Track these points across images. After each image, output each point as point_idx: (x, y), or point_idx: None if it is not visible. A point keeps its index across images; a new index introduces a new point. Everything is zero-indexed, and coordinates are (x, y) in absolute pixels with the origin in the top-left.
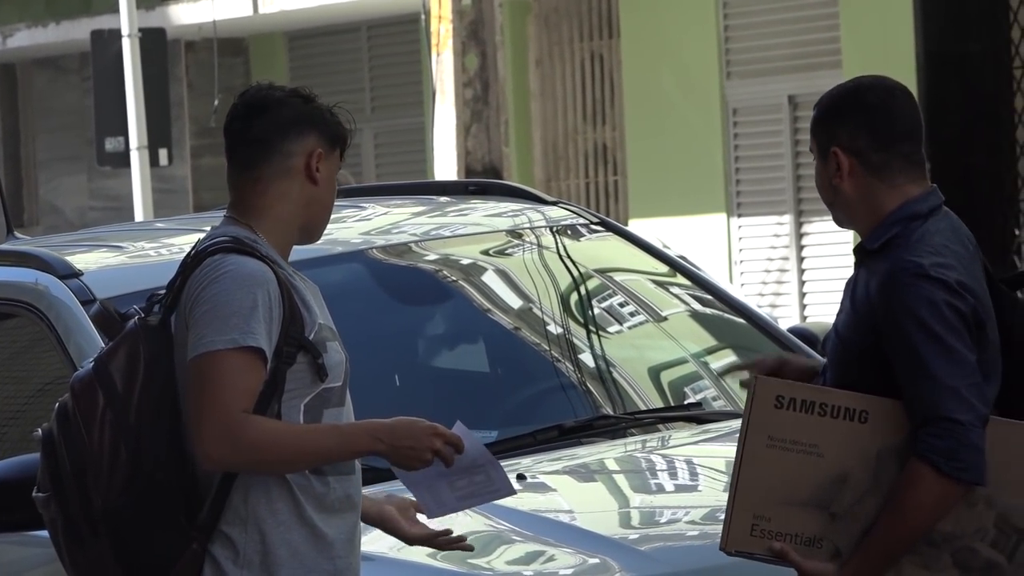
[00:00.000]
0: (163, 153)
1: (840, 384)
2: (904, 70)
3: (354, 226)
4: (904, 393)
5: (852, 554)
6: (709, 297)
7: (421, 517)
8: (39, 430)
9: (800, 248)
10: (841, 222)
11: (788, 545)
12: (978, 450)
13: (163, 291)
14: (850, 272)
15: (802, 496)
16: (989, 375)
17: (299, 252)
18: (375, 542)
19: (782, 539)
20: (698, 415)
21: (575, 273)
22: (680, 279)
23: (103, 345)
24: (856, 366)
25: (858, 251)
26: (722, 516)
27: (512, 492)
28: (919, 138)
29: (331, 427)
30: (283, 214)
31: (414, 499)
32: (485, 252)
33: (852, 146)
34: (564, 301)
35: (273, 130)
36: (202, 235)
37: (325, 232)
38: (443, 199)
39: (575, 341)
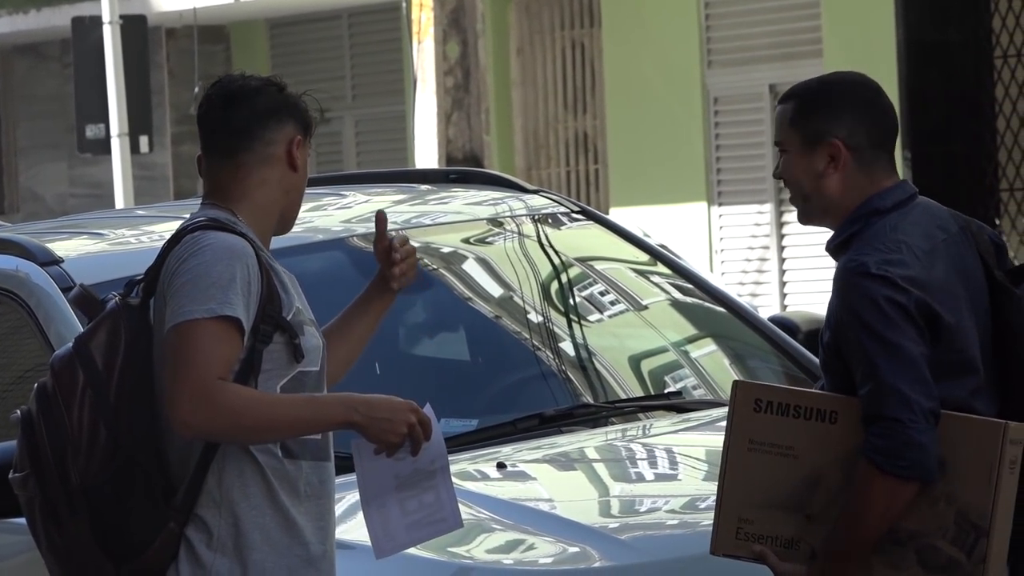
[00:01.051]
0: (144, 140)
1: (832, 386)
2: (885, 59)
3: (335, 214)
4: (858, 393)
5: (819, 556)
6: (690, 286)
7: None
8: (17, 411)
9: (780, 237)
10: (810, 217)
11: (768, 548)
12: (921, 447)
13: (141, 276)
14: (830, 260)
15: (781, 498)
16: (956, 370)
17: (280, 240)
18: (354, 531)
19: (763, 542)
20: (678, 404)
21: (556, 262)
22: (661, 268)
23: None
24: (835, 364)
25: (828, 251)
26: (702, 505)
27: (459, 525)
28: (897, 137)
29: (307, 397)
30: (264, 200)
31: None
32: (466, 240)
33: (851, 140)
34: (545, 290)
35: (253, 119)
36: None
37: (306, 220)
38: (424, 187)
39: (556, 330)
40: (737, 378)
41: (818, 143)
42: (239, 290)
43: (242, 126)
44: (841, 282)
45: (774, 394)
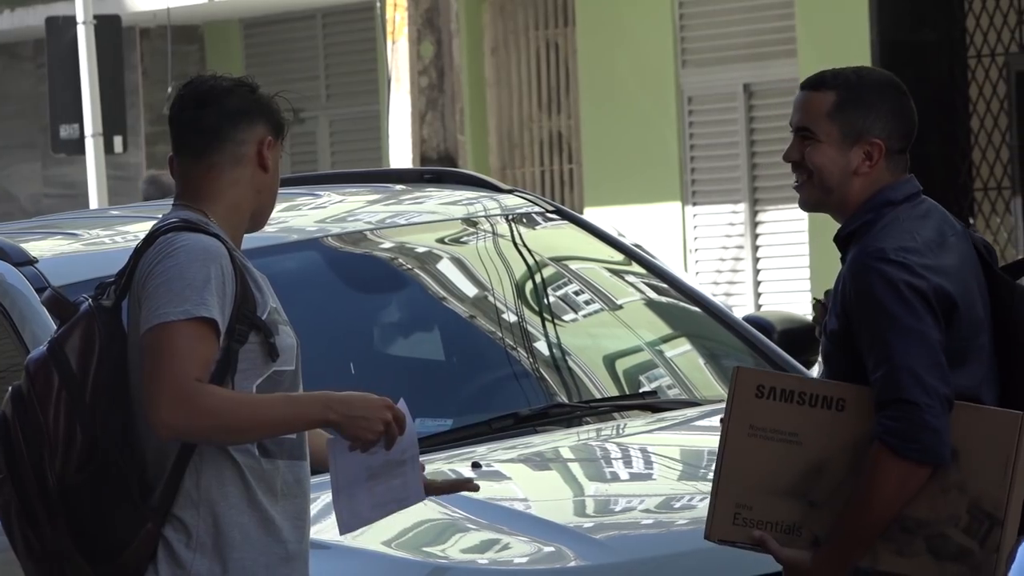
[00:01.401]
0: (118, 140)
1: (832, 376)
2: (859, 59)
3: (309, 214)
4: (870, 378)
5: (825, 540)
6: (664, 285)
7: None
8: None
9: (755, 237)
10: (820, 207)
11: (768, 533)
12: (935, 431)
13: (113, 279)
14: (805, 260)
15: (782, 484)
16: (966, 360)
17: (254, 240)
18: (329, 530)
19: (763, 527)
20: (653, 403)
21: (530, 261)
22: (635, 267)
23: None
24: (841, 355)
25: (837, 242)
26: (677, 504)
27: (420, 498)
28: None
29: (285, 396)
30: (235, 200)
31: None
32: (440, 240)
33: (889, 142)
34: (519, 289)
35: (224, 119)
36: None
37: (280, 220)
38: (398, 187)
39: (530, 329)
40: (716, 374)
41: (857, 140)
42: (214, 291)
43: (213, 126)
44: (857, 267)
45: (778, 380)
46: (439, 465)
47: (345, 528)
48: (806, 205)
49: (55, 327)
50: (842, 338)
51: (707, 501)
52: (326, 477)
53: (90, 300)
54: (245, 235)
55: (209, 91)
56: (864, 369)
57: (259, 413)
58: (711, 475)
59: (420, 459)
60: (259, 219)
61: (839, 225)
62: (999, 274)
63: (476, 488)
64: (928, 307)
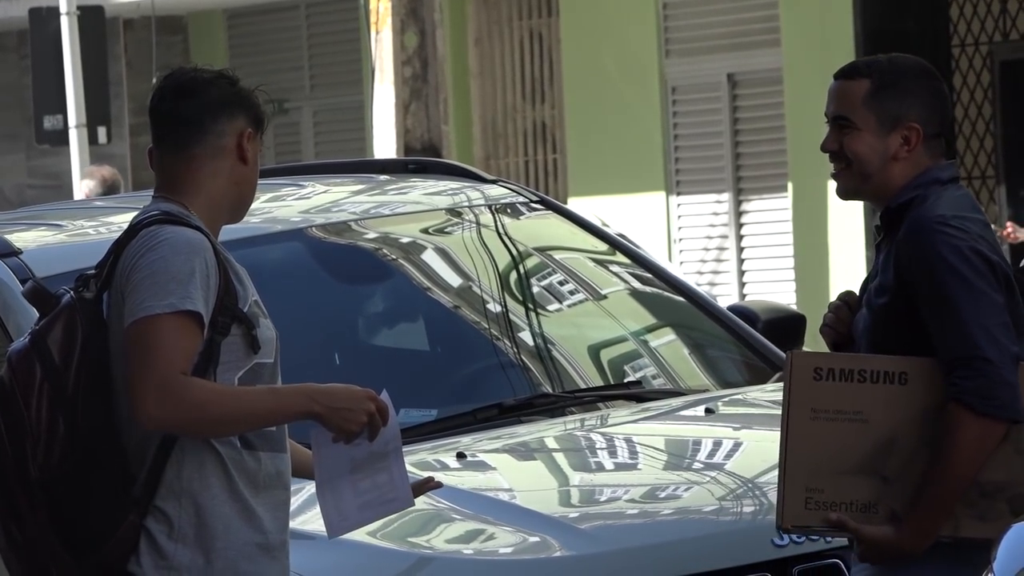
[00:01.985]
0: (102, 131)
1: (877, 351)
2: (843, 48)
3: (293, 204)
4: (936, 342)
5: (909, 512)
6: (648, 275)
7: None
8: None
9: (739, 226)
10: (859, 194)
11: (844, 514)
12: (1011, 386)
13: (92, 271)
14: (789, 250)
15: (852, 464)
16: (1020, 331)
17: (238, 231)
18: (314, 521)
19: (837, 508)
20: (637, 393)
21: (514, 251)
22: (619, 257)
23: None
24: (892, 330)
25: (883, 217)
26: (662, 494)
27: (410, 503)
28: None
29: (269, 389)
30: (215, 192)
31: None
32: (424, 231)
33: (926, 127)
34: (503, 279)
35: (205, 110)
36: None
37: (265, 210)
38: (382, 177)
39: (515, 319)
40: (701, 364)
41: (895, 126)
42: (198, 284)
43: (193, 118)
44: (918, 232)
45: (835, 361)
46: (424, 455)
47: (333, 531)
48: (844, 193)
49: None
50: (894, 311)
51: (692, 492)
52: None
53: (72, 292)
54: (229, 226)
55: (190, 82)
56: (919, 342)
57: (244, 405)
58: (696, 464)
59: (404, 449)
60: (238, 212)
61: (830, 218)
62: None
63: (438, 485)
64: (992, 272)
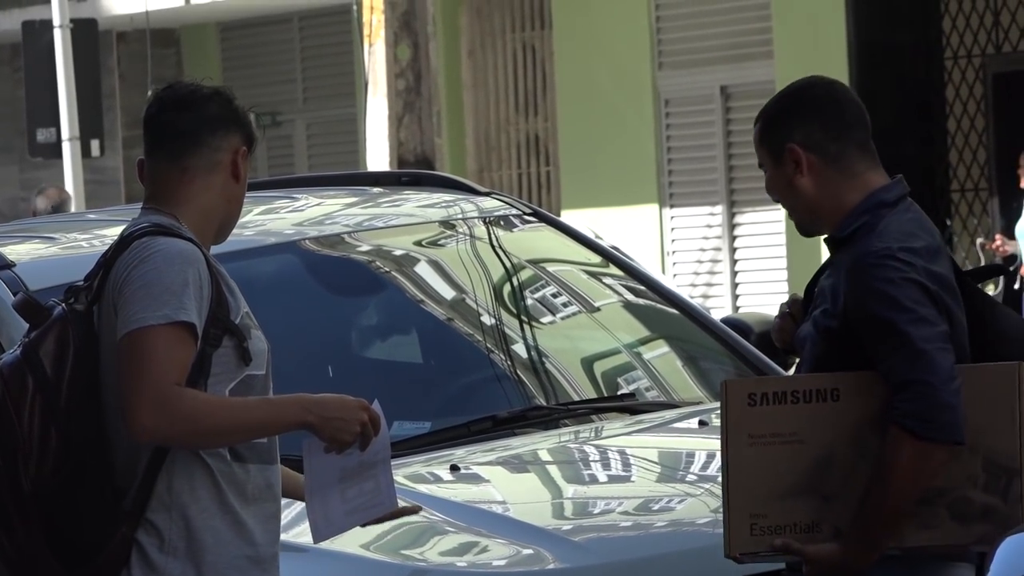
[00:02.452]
0: (95, 144)
1: (820, 367)
2: (836, 60)
3: (287, 217)
4: (879, 368)
5: (851, 529)
6: (642, 288)
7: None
8: None
9: (732, 239)
10: (806, 227)
11: (788, 537)
12: (952, 408)
13: (81, 283)
14: (782, 262)
15: (793, 486)
16: (958, 357)
17: (232, 243)
18: (306, 534)
19: (781, 532)
20: (631, 406)
21: (508, 264)
22: (613, 270)
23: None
24: (837, 354)
25: (828, 243)
26: (655, 507)
27: (394, 505)
28: (868, 126)
29: (263, 400)
30: (206, 206)
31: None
32: (418, 243)
33: (808, 141)
34: (497, 292)
35: (202, 124)
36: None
37: (258, 223)
38: (376, 190)
39: (508, 332)
40: (694, 376)
41: (781, 154)
42: (192, 295)
43: (191, 130)
44: (864, 265)
45: (767, 385)
46: (418, 468)
47: (319, 536)
48: (800, 231)
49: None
50: (838, 337)
51: (685, 504)
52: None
53: (63, 304)
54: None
55: (189, 95)
56: (860, 365)
57: (238, 416)
58: (690, 476)
59: (398, 462)
60: (224, 231)
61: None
62: (969, 282)
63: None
64: (934, 303)
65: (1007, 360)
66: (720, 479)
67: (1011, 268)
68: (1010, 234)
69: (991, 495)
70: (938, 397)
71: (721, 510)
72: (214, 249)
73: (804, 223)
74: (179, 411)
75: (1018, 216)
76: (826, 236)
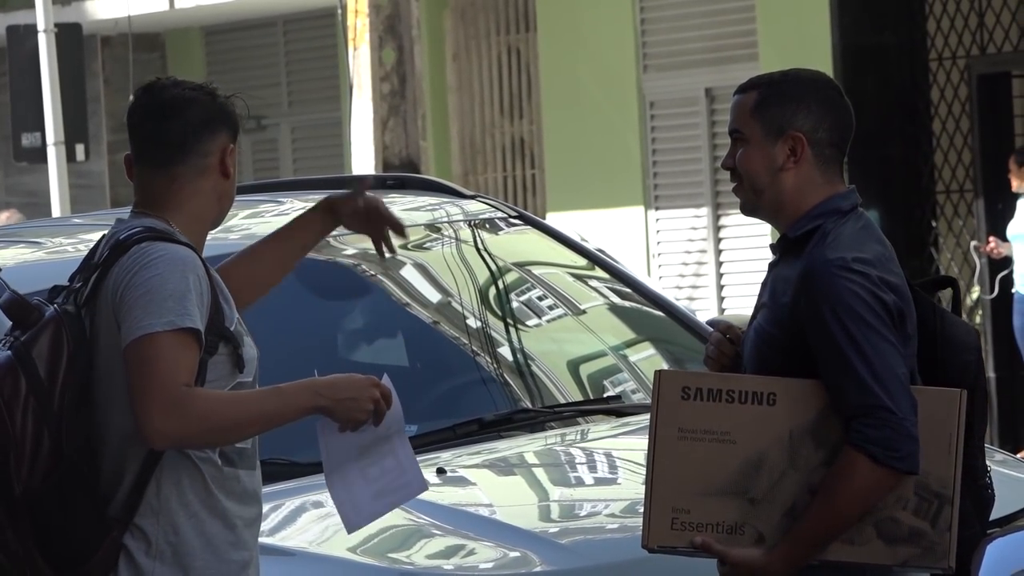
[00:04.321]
0: (80, 148)
1: (761, 372)
2: (820, 62)
3: (272, 221)
4: (828, 383)
5: (781, 539)
6: (627, 290)
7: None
8: None
9: (718, 241)
10: (756, 211)
11: (710, 536)
12: (914, 439)
13: (65, 285)
14: (767, 264)
15: (719, 484)
16: (911, 371)
17: (217, 248)
18: (294, 536)
19: (703, 530)
20: (617, 408)
21: (493, 267)
22: (598, 272)
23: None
24: (780, 361)
25: (779, 243)
26: (642, 510)
27: (424, 487)
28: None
29: (272, 389)
30: (198, 210)
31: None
32: (403, 246)
33: (813, 136)
34: (483, 295)
35: (188, 132)
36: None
37: (243, 227)
38: None
39: (494, 335)
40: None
41: (780, 135)
42: (194, 300)
43: (177, 140)
44: (818, 275)
45: (703, 380)
46: None
47: (351, 526)
48: (743, 209)
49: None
50: (780, 343)
51: None
52: (291, 483)
53: (56, 305)
54: (209, 243)
55: (171, 101)
56: (803, 373)
57: (251, 409)
58: None
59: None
60: (218, 223)
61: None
62: (920, 292)
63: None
64: (891, 319)
65: (957, 370)
66: (645, 469)
67: (1007, 271)
68: (999, 235)
69: (920, 519)
70: (903, 427)
71: (643, 497)
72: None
73: (755, 207)
74: (192, 411)
75: (1009, 218)
76: (776, 241)
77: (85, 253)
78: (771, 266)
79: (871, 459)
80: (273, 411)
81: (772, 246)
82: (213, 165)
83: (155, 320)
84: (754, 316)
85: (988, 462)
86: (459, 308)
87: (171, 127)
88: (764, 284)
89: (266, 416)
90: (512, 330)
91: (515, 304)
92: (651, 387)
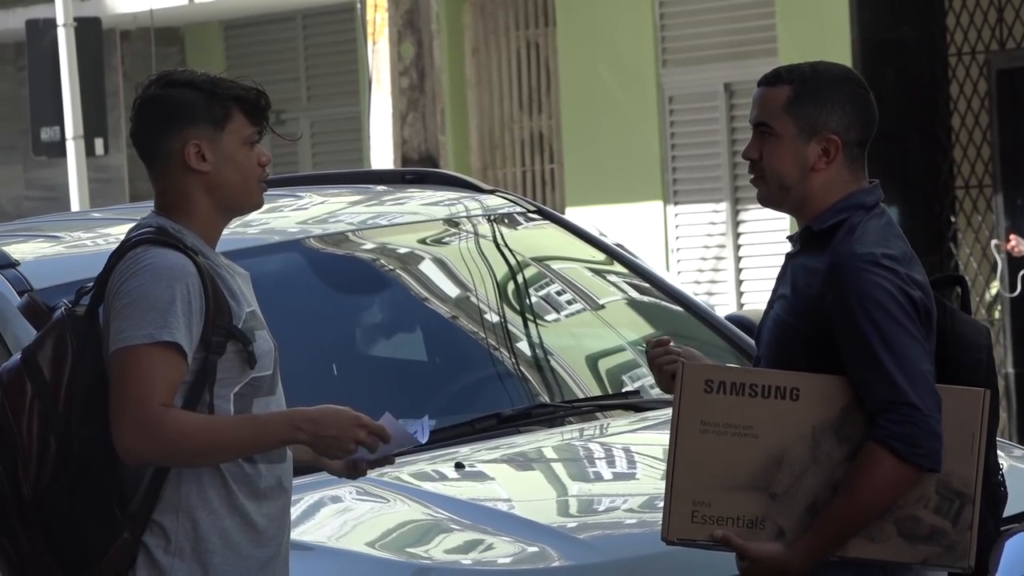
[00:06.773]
0: (99, 143)
1: (779, 365)
2: (839, 57)
3: (291, 215)
4: (854, 378)
5: (803, 534)
6: (646, 285)
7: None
8: None
9: (736, 236)
10: (779, 205)
11: (730, 530)
12: (937, 437)
13: (92, 283)
14: (784, 255)
15: (741, 479)
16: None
17: (236, 242)
18: (313, 531)
19: (724, 523)
20: (636, 403)
21: (512, 262)
22: (617, 267)
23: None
24: (800, 353)
25: (801, 235)
26: (661, 504)
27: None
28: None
29: (250, 417)
30: (191, 209)
31: None
32: (422, 241)
33: (846, 137)
34: (501, 290)
35: (149, 133)
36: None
37: (262, 221)
38: (380, 188)
39: (513, 329)
40: None
41: (813, 135)
42: (179, 312)
43: (143, 143)
44: (847, 270)
45: (726, 374)
46: (422, 466)
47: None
48: (765, 201)
49: (36, 332)
50: (803, 335)
51: None
52: (309, 478)
53: (64, 308)
54: (225, 237)
55: (141, 104)
56: (824, 367)
57: (223, 436)
58: None
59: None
60: (237, 208)
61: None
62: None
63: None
64: (918, 315)
65: (967, 368)
66: (666, 462)
67: None
68: (1019, 230)
69: (941, 517)
70: (927, 424)
71: (663, 491)
72: (220, 246)
73: (777, 200)
74: (164, 433)
75: None
76: (797, 233)
77: (103, 247)
78: (788, 256)
79: (894, 455)
80: (248, 440)
81: (791, 237)
82: (180, 163)
83: (135, 332)
84: (770, 306)
85: (1007, 458)
86: (477, 303)
87: (136, 131)
88: (782, 275)
89: (240, 444)
90: (531, 325)
91: (534, 299)
92: (675, 380)
